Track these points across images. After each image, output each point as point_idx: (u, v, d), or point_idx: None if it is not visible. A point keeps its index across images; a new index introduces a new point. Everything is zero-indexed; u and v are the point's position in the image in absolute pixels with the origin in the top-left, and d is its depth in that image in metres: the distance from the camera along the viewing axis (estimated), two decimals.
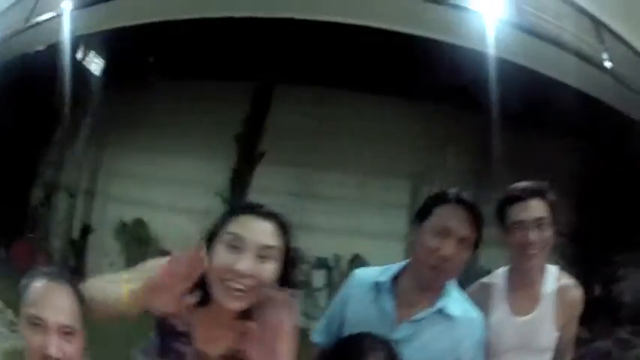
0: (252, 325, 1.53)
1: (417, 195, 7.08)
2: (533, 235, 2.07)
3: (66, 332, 1.47)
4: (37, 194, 7.53)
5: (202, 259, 1.41)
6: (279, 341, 1.49)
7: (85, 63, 6.71)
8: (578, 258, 7.28)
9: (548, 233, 2.10)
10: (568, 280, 2.22)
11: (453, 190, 1.94)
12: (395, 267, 2.00)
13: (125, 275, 1.67)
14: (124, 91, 7.23)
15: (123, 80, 7.19)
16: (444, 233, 1.81)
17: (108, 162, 7.60)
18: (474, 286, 2.29)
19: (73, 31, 5.32)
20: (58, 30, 5.32)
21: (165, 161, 7.08)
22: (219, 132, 6.97)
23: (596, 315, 6.86)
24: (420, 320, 1.87)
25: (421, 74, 5.85)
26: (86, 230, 7.43)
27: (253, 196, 5.93)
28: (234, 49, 6.03)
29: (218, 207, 6.40)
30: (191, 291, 1.48)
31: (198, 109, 7.00)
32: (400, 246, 6.20)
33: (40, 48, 5.45)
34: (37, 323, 1.47)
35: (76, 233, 7.35)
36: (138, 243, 6.93)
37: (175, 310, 1.50)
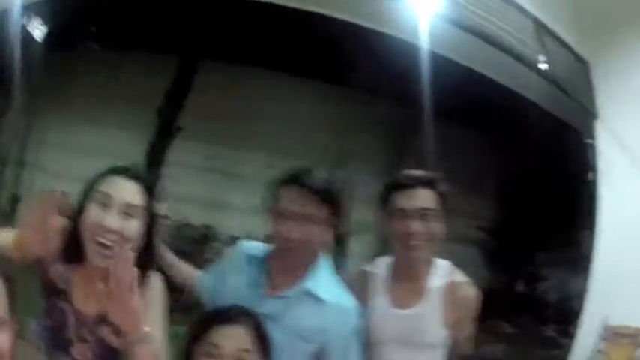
0: (108, 283, 1.53)
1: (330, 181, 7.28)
2: (416, 226, 1.96)
3: None
4: None
5: (56, 201, 1.56)
6: (130, 296, 1.47)
7: (29, 29, 6.58)
8: (500, 254, 7.35)
9: (434, 225, 1.99)
10: (460, 277, 2.08)
11: (299, 172, 1.89)
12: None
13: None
14: (59, 59, 7.11)
15: (62, 49, 7.08)
16: (286, 216, 1.79)
17: (38, 131, 7.48)
18: (354, 273, 2.24)
19: None
20: None
21: (90, 132, 7.06)
22: (141, 104, 6.98)
23: (520, 311, 7.06)
24: (285, 297, 1.83)
25: (345, 60, 5.88)
26: (15, 200, 7.28)
27: (168, 171, 5.92)
28: (163, 23, 5.99)
29: None
30: (66, 249, 1.62)
31: (124, 81, 6.95)
32: None
33: None
34: None
35: (5, 203, 7.21)
36: None
37: (45, 253, 1.61)
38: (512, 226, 7.31)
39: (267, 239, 1.96)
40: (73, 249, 1.63)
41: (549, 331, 5.94)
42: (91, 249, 1.59)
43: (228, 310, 1.61)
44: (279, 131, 6.77)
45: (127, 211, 1.60)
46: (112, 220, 1.56)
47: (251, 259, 1.94)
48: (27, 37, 6.33)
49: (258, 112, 6.88)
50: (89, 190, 1.64)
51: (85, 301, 1.66)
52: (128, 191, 1.62)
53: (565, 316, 5.38)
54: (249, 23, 5.82)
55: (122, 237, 1.57)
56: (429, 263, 2.06)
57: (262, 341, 1.56)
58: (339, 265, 2.08)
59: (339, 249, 5.16)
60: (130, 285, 1.47)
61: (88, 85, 7.13)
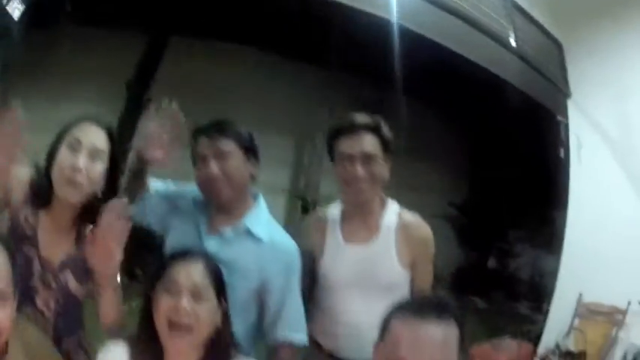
0: (88, 227, 1.73)
1: (301, 153, 7.33)
2: (361, 170, 1.98)
3: None
4: None
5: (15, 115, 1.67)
6: (112, 241, 1.62)
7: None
8: (472, 231, 7.39)
9: (378, 169, 2.01)
10: (412, 217, 2.10)
11: (211, 122, 2.01)
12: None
13: None
14: (33, 37, 7.09)
15: (38, 27, 7.02)
16: (203, 157, 1.92)
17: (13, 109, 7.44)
18: (311, 218, 2.40)
19: None
20: None
21: (59, 108, 6.71)
22: (111, 79, 6.99)
23: (493, 288, 7.11)
24: (224, 236, 1.91)
25: (317, 36, 5.79)
26: None
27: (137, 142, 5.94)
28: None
29: None
30: (35, 194, 1.76)
31: (92, 56, 6.88)
32: (283, 200, 6.82)
33: None
34: None
35: None
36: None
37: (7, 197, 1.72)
38: (484, 202, 7.35)
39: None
40: (43, 193, 1.76)
41: (522, 308, 6.00)
42: (60, 185, 1.72)
43: (183, 250, 1.69)
44: (246, 106, 6.54)
45: (94, 155, 1.73)
46: (82, 161, 1.70)
47: (195, 201, 2.01)
48: (6, 18, 6.28)
49: (227, 87, 6.88)
50: (60, 137, 1.77)
51: (50, 247, 1.75)
52: (95, 136, 1.76)
53: (538, 293, 5.43)
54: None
55: (89, 177, 1.71)
56: (380, 203, 2.10)
57: (216, 276, 1.64)
58: None
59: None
60: (119, 235, 1.61)
61: (55, 61, 6.96)
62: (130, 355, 1.56)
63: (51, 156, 1.76)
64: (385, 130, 2.05)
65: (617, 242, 4.29)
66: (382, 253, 2.02)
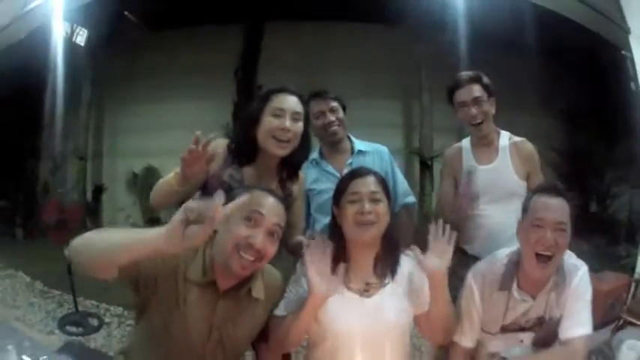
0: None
1: (408, 112, 7.66)
2: (474, 110, 2.65)
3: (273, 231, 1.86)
4: (45, 165, 7.82)
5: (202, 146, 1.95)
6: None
7: (72, 37, 7.02)
8: (572, 175, 7.39)
9: (486, 107, 2.67)
10: (518, 138, 2.77)
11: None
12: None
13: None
14: (112, 51, 7.51)
15: (109, 43, 7.43)
16: (321, 112, 2.90)
17: (110, 120, 8.00)
18: (449, 149, 2.97)
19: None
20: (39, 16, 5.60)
21: (167, 108, 7.50)
22: (217, 72, 7.36)
23: (594, 230, 7.15)
24: (351, 163, 2.89)
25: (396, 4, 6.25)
26: (98, 190, 7.85)
27: None
28: None
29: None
30: (240, 153, 2.26)
31: (193, 54, 7.36)
32: (401, 159, 7.02)
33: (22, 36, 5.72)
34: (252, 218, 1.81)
35: (89, 195, 7.79)
36: (150, 191, 7.31)
37: (203, 173, 2.11)
38: (582, 147, 7.50)
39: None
40: (247, 152, 2.25)
41: (621, 249, 6.02)
42: (271, 147, 2.20)
43: (357, 170, 2.14)
44: (346, 75, 7.07)
45: (295, 117, 2.22)
46: (288, 123, 2.19)
47: (314, 160, 2.94)
48: (72, 45, 6.81)
49: (326, 61, 7.28)
50: (261, 103, 2.24)
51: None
52: (294, 102, 2.24)
53: (635, 230, 5.47)
54: None
55: (294, 134, 2.21)
56: (497, 132, 2.78)
57: (384, 184, 2.07)
58: None
59: None
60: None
61: (149, 67, 7.52)
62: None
63: (254, 124, 2.23)
64: (485, 79, 2.72)
65: None
66: (503, 167, 2.71)
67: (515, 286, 2.05)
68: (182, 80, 7.43)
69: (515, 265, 2.06)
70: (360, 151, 2.93)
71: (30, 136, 7.56)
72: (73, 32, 6.92)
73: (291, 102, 2.24)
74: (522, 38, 6.05)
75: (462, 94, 2.68)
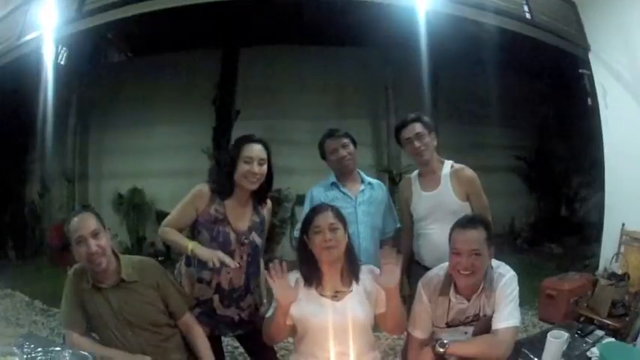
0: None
1: (377, 132, 7.96)
2: (417, 143, 3.05)
3: None
4: (33, 189, 8.10)
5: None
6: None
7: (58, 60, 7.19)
8: (540, 182, 7.97)
9: (427, 139, 3.06)
10: (458, 166, 3.13)
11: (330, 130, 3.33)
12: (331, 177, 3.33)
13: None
14: (96, 76, 7.86)
15: (93, 69, 7.82)
16: (334, 149, 3.26)
17: (94, 143, 8.27)
18: (404, 180, 3.45)
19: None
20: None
21: (150, 131, 7.75)
22: (196, 98, 7.65)
23: (565, 233, 7.41)
24: (363, 190, 3.28)
25: (361, 29, 6.55)
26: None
27: None
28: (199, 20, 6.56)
29: (204, 163, 7.25)
30: (222, 190, 2.74)
31: (171, 80, 7.62)
32: (372, 175, 7.27)
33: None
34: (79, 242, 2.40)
35: None
36: (135, 210, 7.63)
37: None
38: (546, 153, 7.93)
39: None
40: (228, 189, 2.74)
41: (591, 249, 6.17)
42: (245, 184, 2.70)
43: (317, 207, 2.58)
44: (319, 98, 7.45)
45: (261, 162, 2.70)
46: (256, 168, 2.68)
47: (334, 184, 3.28)
48: (59, 66, 6.94)
49: (298, 84, 7.56)
50: (235, 152, 2.71)
51: (238, 221, 2.77)
52: (259, 152, 2.71)
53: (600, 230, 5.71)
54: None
55: (260, 174, 2.70)
56: (439, 162, 3.15)
57: (340, 216, 2.50)
58: None
59: None
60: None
61: (132, 91, 7.79)
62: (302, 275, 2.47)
63: (232, 168, 2.70)
64: (425, 118, 3.14)
65: None
66: (445, 193, 3.06)
67: (452, 291, 2.44)
68: (164, 105, 7.71)
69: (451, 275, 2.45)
70: (369, 183, 3.33)
71: (19, 158, 7.85)
72: (58, 55, 7.09)
73: (257, 150, 2.72)
74: (487, 58, 6.42)
75: (406, 132, 3.09)
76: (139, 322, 2.51)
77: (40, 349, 2.35)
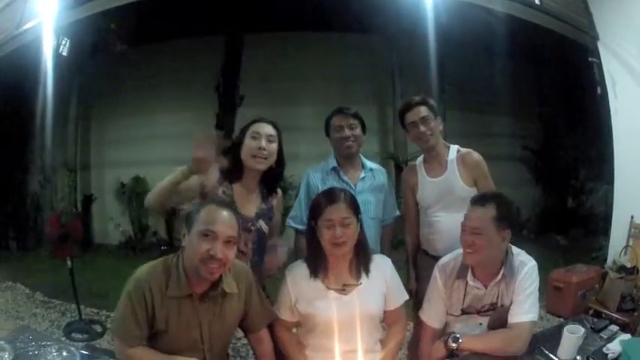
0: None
1: (383, 119, 7.86)
2: (423, 127, 2.95)
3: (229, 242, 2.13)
4: (34, 179, 8.02)
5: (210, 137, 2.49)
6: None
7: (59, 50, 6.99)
8: (547, 173, 7.89)
9: (433, 124, 2.96)
10: (465, 150, 3.04)
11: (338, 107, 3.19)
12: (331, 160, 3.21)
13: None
14: (98, 66, 7.73)
15: (95, 57, 7.66)
16: (340, 127, 3.13)
17: (96, 132, 8.22)
18: (408, 167, 3.40)
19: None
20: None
21: (153, 120, 7.71)
22: (199, 85, 7.56)
23: (571, 225, 7.37)
24: (364, 177, 3.15)
25: (368, 15, 6.46)
26: (88, 201, 8.05)
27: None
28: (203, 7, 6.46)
29: None
30: (230, 172, 2.65)
31: (176, 68, 7.56)
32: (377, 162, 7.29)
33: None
34: (208, 234, 2.10)
35: (79, 206, 7.94)
36: (138, 199, 7.51)
37: (208, 169, 2.53)
38: (554, 144, 7.84)
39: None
40: (235, 171, 2.65)
41: (598, 241, 6.16)
42: (251, 163, 2.61)
43: (330, 195, 2.44)
44: (324, 84, 7.33)
45: (270, 139, 2.62)
46: (264, 143, 2.60)
47: (334, 169, 3.15)
48: (59, 60, 6.88)
49: (303, 70, 7.46)
50: (244, 131, 2.64)
51: (245, 206, 2.64)
52: (268, 128, 2.64)
53: (605, 223, 5.67)
54: None
55: (270, 152, 2.62)
56: (446, 146, 3.06)
57: (354, 206, 2.41)
58: None
59: None
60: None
61: (134, 80, 7.70)
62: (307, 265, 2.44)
63: (238, 146, 2.63)
64: (431, 101, 3.03)
65: None
66: (452, 178, 2.97)
67: (470, 275, 2.41)
68: (166, 93, 7.65)
69: None
70: (370, 169, 3.22)
71: (20, 149, 7.75)
72: (59, 45, 7.02)
73: (266, 127, 2.65)
74: (495, 46, 6.35)
75: (411, 115, 2.99)
76: (219, 342, 2.27)
77: (33, 344, 2.24)
